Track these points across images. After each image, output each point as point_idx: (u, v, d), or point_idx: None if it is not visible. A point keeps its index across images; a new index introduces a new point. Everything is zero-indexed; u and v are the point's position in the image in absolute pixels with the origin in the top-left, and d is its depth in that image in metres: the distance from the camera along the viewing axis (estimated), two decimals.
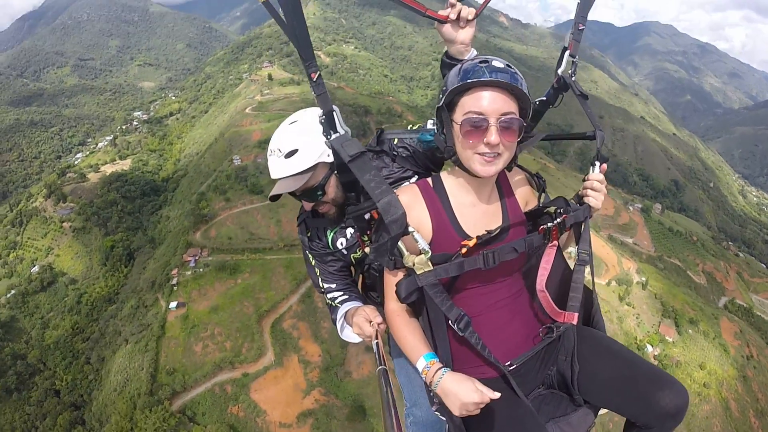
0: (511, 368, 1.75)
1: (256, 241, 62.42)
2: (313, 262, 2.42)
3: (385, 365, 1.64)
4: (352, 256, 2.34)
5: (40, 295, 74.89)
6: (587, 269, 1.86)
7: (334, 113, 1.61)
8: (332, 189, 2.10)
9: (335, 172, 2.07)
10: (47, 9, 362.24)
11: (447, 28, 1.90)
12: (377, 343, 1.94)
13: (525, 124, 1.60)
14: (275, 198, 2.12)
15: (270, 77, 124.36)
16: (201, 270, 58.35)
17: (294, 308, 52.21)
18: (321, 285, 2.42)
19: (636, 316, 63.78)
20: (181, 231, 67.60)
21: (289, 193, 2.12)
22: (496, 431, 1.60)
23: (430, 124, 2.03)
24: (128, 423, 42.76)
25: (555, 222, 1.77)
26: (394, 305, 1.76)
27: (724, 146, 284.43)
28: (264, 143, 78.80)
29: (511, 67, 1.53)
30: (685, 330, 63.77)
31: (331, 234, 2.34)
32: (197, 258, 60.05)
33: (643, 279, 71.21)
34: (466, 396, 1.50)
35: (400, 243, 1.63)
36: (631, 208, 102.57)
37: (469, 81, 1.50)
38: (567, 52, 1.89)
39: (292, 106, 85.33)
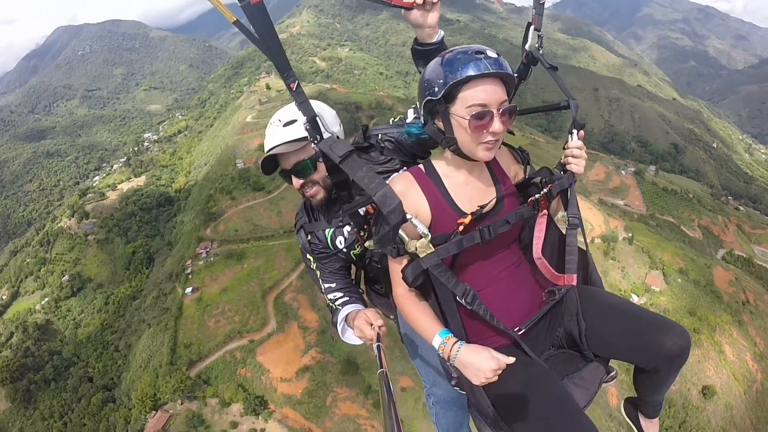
0: (520, 333, 1.81)
1: (259, 231, 68.51)
2: (314, 265, 2.44)
3: (385, 368, 1.55)
4: (352, 253, 2.37)
5: (71, 300, 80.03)
6: (579, 231, 1.92)
7: (318, 119, 1.61)
8: (322, 167, 2.11)
9: None
10: (49, 47, 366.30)
11: (414, 14, 1.92)
12: (378, 345, 1.90)
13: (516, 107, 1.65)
14: (268, 167, 2.17)
15: (268, 86, 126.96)
16: (212, 259, 64.75)
17: (294, 284, 56.94)
18: (322, 285, 2.46)
19: (621, 269, 63.16)
20: (193, 229, 74.11)
21: (282, 174, 2.19)
22: (515, 394, 1.62)
23: (411, 114, 2.11)
24: (152, 389, 47.46)
25: (542, 192, 1.84)
26: (401, 289, 1.80)
27: (731, 107, 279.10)
28: (263, 146, 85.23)
29: (499, 54, 1.57)
30: (673, 279, 62.50)
31: (330, 233, 2.34)
32: (208, 250, 66.61)
33: (629, 235, 69.75)
34: (483, 364, 1.53)
35: (400, 231, 1.64)
36: (623, 172, 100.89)
37: (473, 74, 1.51)
38: (531, 27, 1.97)
39: None
